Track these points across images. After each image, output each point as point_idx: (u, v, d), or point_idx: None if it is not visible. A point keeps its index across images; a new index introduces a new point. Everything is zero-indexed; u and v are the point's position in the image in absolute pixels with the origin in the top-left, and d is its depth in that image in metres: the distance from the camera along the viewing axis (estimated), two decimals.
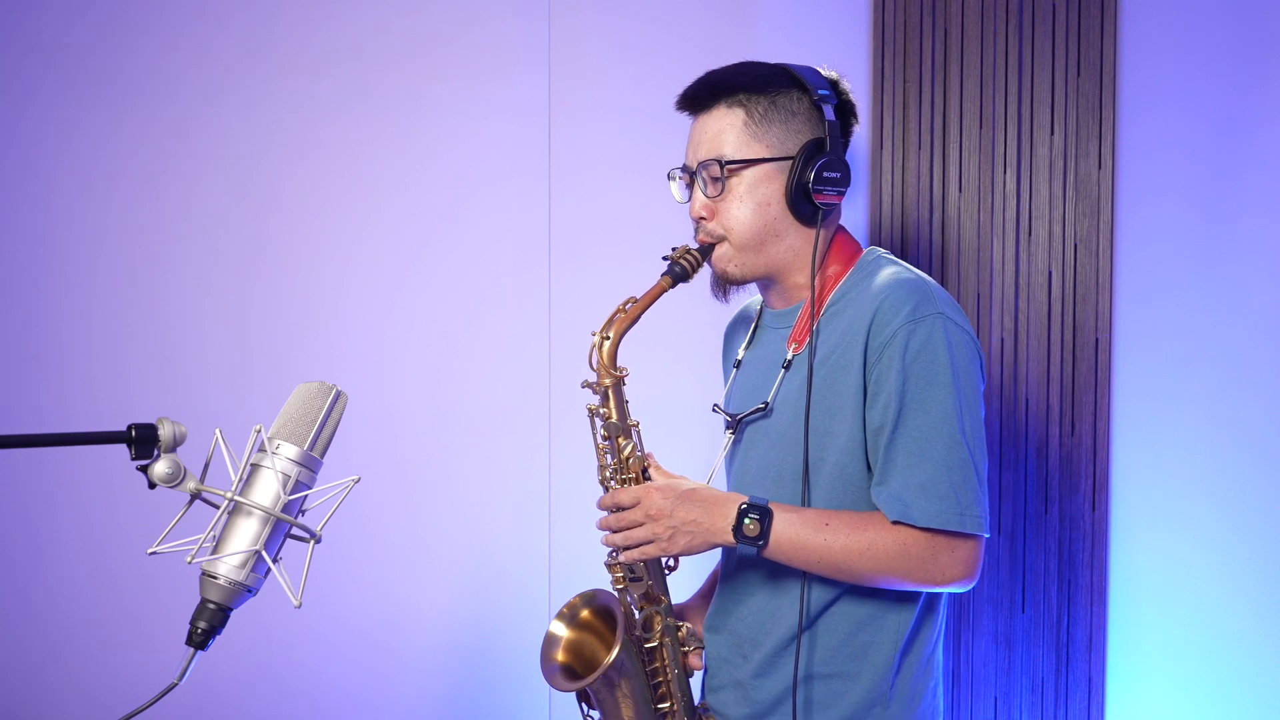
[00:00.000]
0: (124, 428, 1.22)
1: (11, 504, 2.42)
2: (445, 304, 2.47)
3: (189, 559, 1.23)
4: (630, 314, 1.65)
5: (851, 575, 1.56)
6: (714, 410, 1.81)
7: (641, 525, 1.59)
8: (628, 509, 1.60)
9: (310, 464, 1.27)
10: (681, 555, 1.61)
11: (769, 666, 1.64)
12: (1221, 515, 2.24)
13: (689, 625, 1.72)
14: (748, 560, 1.68)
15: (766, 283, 1.72)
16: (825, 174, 1.62)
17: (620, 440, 1.66)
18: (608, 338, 1.65)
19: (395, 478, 2.43)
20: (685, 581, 1.84)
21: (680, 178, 1.72)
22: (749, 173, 1.63)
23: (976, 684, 2.32)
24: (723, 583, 1.75)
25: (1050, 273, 2.29)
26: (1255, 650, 2.24)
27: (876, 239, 2.36)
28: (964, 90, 2.32)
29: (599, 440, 1.69)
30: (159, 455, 1.23)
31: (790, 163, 1.63)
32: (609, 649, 1.64)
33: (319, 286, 2.46)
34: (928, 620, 1.64)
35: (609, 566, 1.72)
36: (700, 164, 1.66)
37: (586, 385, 1.68)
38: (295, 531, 1.27)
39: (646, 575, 1.69)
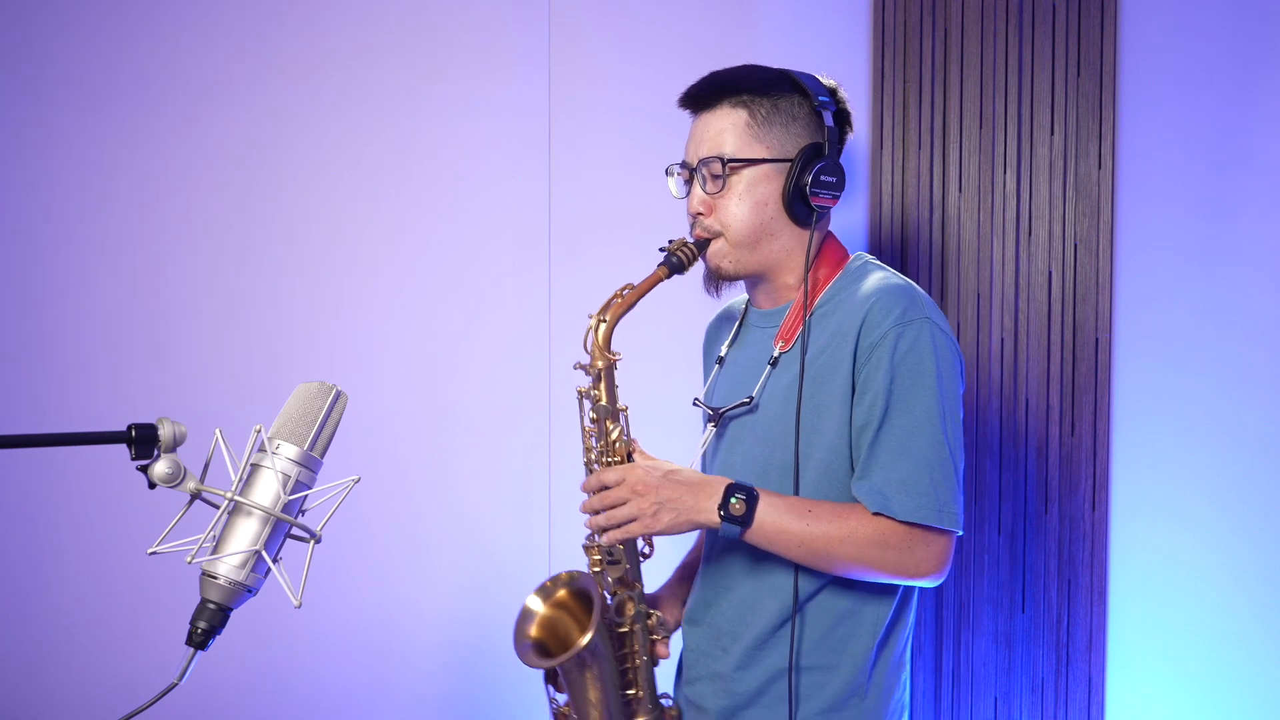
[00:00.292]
0: (124, 428, 1.22)
1: (11, 504, 2.42)
2: (445, 304, 2.47)
3: (189, 559, 1.23)
4: (627, 299, 1.67)
5: (829, 563, 1.59)
6: (694, 404, 1.83)
7: (626, 503, 1.60)
8: (612, 488, 1.62)
9: (310, 464, 1.27)
10: (663, 534, 1.62)
11: (749, 659, 1.67)
12: (1221, 515, 2.24)
13: (659, 614, 1.74)
14: (730, 553, 1.70)
15: (756, 280, 1.74)
16: (822, 178, 1.66)
17: (608, 423, 1.68)
18: (604, 321, 1.68)
19: (395, 478, 2.43)
20: (658, 572, 1.85)
21: (679, 173, 1.75)
22: (748, 172, 1.66)
23: (976, 684, 2.32)
24: (703, 575, 1.77)
25: (1050, 273, 2.29)
26: (1255, 650, 2.24)
27: (877, 239, 2.36)
28: (964, 90, 2.32)
29: (586, 423, 1.71)
30: (159, 455, 1.23)
31: (789, 165, 1.67)
32: (583, 631, 1.65)
33: (319, 286, 2.46)
34: (902, 615, 1.69)
35: (586, 549, 1.73)
36: (701, 160, 1.68)
37: (579, 366, 1.70)
38: (295, 531, 1.27)
39: (624, 559, 1.70)
